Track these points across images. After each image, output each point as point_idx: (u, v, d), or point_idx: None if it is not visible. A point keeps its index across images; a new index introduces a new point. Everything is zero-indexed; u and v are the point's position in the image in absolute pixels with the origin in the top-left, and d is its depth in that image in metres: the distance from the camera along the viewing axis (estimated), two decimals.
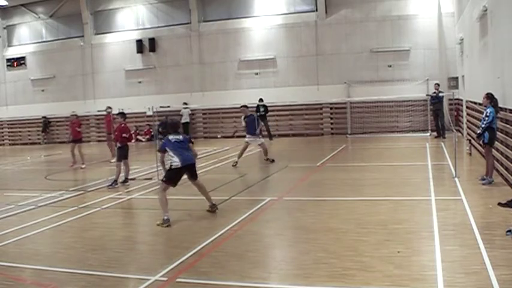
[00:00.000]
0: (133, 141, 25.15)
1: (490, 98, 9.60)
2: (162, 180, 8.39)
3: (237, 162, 14.24)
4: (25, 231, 7.79)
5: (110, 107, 18.08)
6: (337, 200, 9.23)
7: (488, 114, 9.38)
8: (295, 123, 23.66)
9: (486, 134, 9.49)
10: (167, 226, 7.68)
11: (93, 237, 7.39)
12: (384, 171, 12.34)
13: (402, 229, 6.93)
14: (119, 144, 12.06)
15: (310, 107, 23.00)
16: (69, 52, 27.33)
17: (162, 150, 8.35)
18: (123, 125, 12.16)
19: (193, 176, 8.41)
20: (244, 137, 15.09)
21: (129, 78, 26.26)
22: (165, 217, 7.79)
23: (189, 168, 8.25)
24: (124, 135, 12.07)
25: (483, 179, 9.75)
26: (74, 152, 16.28)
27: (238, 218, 7.87)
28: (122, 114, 12.43)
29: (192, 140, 8.66)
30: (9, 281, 5.66)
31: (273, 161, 14.62)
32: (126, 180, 11.91)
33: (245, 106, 14.94)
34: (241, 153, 14.43)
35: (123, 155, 12.02)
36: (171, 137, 8.27)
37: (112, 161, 16.46)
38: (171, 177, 8.13)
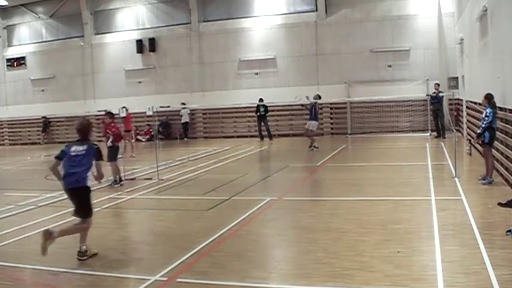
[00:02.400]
0: (133, 141, 25.23)
1: (489, 98, 9.61)
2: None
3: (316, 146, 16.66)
4: (25, 231, 7.80)
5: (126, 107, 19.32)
6: (337, 200, 9.23)
7: (488, 114, 9.41)
8: (295, 123, 23.65)
9: (486, 134, 9.51)
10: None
11: (93, 237, 7.37)
12: (384, 171, 12.34)
13: (402, 229, 6.93)
14: (110, 144, 12.02)
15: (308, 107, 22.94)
16: (69, 52, 27.32)
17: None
18: (113, 124, 12.15)
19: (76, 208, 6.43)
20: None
21: (129, 78, 26.26)
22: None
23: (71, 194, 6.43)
24: (117, 132, 12.08)
25: (483, 179, 9.75)
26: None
27: (238, 218, 7.86)
28: (111, 114, 12.42)
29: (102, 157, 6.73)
30: (9, 281, 5.66)
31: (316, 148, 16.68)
32: (115, 181, 11.87)
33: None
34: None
35: (116, 154, 12.01)
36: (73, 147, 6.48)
37: (134, 155, 16.88)
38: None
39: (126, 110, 19.25)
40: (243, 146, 19.58)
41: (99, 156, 6.52)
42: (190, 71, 25.17)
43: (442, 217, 7.40)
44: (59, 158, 6.47)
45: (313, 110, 17.00)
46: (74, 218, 6.59)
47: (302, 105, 17.82)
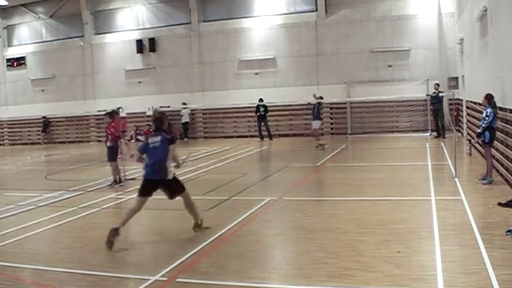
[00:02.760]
0: (133, 141, 25.23)
1: (489, 98, 9.62)
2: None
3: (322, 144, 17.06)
4: (25, 231, 7.79)
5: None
6: (337, 200, 9.23)
7: (488, 114, 9.41)
8: (295, 123, 23.66)
9: (487, 134, 9.51)
10: (109, 241, 6.61)
11: (93, 237, 7.38)
12: (384, 171, 12.34)
13: (402, 229, 6.93)
14: (109, 144, 12.03)
15: (310, 107, 22.95)
16: (69, 52, 27.33)
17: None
18: (113, 124, 12.16)
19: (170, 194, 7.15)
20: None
21: (129, 78, 26.26)
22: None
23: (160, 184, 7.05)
24: (116, 134, 12.08)
25: (483, 179, 9.75)
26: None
27: (238, 218, 7.86)
28: (110, 114, 12.42)
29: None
30: (9, 281, 5.66)
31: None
32: (116, 181, 11.87)
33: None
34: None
35: (116, 154, 12.01)
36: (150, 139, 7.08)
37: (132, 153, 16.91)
38: (141, 191, 7.13)
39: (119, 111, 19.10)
40: (243, 146, 19.58)
41: (171, 141, 7.03)
42: (190, 71, 25.17)
43: (442, 217, 7.40)
44: (141, 151, 7.13)
45: (315, 110, 17.31)
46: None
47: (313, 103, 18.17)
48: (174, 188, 7.10)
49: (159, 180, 6.98)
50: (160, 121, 7.21)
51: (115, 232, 6.63)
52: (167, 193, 7.18)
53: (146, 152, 7.03)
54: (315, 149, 17.11)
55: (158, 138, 7.01)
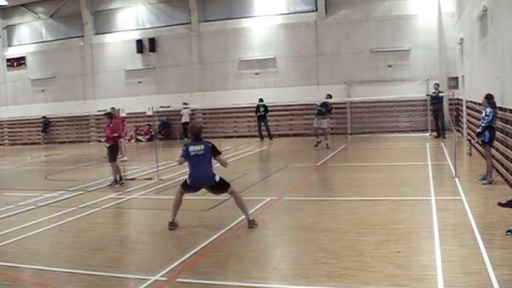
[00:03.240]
0: (133, 141, 25.26)
1: (489, 99, 9.62)
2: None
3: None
4: (25, 231, 7.79)
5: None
6: (337, 200, 9.23)
7: (488, 113, 9.42)
8: (295, 123, 23.66)
9: (486, 133, 9.51)
10: (170, 229, 7.46)
11: (93, 237, 7.39)
12: (384, 171, 12.34)
13: (402, 229, 6.93)
14: (108, 144, 12.04)
15: (310, 107, 22.94)
16: (69, 52, 27.32)
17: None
18: (111, 124, 12.17)
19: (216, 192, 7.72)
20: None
21: (129, 78, 26.25)
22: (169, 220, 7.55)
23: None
24: (114, 134, 12.09)
25: (483, 179, 9.75)
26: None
27: (238, 218, 7.85)
28: (109, 115, 12.44)
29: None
30: (9, 281, 5.66)
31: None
32: (116, 181, 11.87)
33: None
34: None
35: (116, 154, 12.02)
36: (190, 147, 7.46)
37: (125, 158, 16.87)
38: (185, 188, 7.65)
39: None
40: (243, 146, 19.57)
41: (215, 152, 7.51)
42: (190, 71, 25.17)
43: (442, 217, 7.40)
44: (183, 156, 7.53)
45: (325, 109, 17.27)
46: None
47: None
48: (221, 187, 7.52)
49: (204, 186, 7.53)
50: (198, 130, 7.61)
51: (172, 224, 7.45)
52: (214, 192, 7.71)
53: (189, 159, 7.45)
54: (326, 150, 16.68)
55: (201, 146, 7.41)
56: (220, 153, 7.69)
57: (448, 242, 6.20)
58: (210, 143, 7.53)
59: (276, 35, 23.90)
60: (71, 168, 16.17)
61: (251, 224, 7.37)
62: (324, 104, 17.24)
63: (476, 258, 5.52)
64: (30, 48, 28.46)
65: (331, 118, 23.20)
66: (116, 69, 26.35)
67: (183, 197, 7.65)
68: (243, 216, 7.75)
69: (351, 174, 12.19)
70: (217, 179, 7.42)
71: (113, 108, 19.06)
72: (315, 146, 17.34)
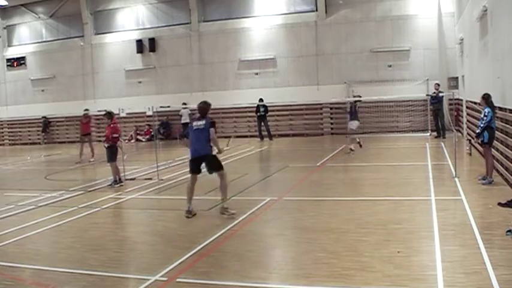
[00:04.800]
0: (133, 141, 25.26)
1: (486, 98, 9.62)
2: None
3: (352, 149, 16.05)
4: (25, 231, 7.80)
5: (87, 109, 19.50)
6: (337, 200, 9.23)
7: (486, 114, 9.42)
8: (295, 123, 23.66)
9: (486, 134, 9.50)
10: (187, 217, 8.09)
11: (93, 237, 7.39)
12: (384, 171, 12.34)
13: (402, 229, 6.93)
14: (107, 144, 12.03)
15: (310, 107, 23.00)
16: (69, 52, 27.33)
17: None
18: (112, 125, 12.16)
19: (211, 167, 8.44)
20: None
21: (129, 78, 26.26)
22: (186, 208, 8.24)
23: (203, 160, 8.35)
24: (114, 134, 12.09)
25: (483, 179, 9.75)
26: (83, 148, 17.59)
27: (238, 218, 7.87)
28: (109, 115, 12.42)
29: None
30: (9, 281, 5.66)
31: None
32: (116, 181, 11.87)
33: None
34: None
35: (115, 154, 12.00)
36: (194, 122, 8.40)
37: (92, 160, 16.90)
38: (190, 168, 8.44)
39: (86, 112, 19.13)
40: (243, 146, 19.56)
41: (211, 125, 8.26)
42: (190, 71, 25.17)
43: (442, 217, 7.40)
44: (186, 136, 8.60)
45: (352, 110, 16.58)
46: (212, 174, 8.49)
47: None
48: (216, 163, 8.33)
49: (203, 156, 8.23)
50: (205, 110, 8.37)
51: (189, 212, 8.14)
52: (208, 166, 8.40)
53: (191, 134, 8.32)
54: (345, 155, 15.77)
55: (203, 121, 8.24)
56: (213, 126, 8.43)
57: (448, 242, 6.20)
58: (211, 119, 8.31)
59: (276, 35, 23.90)
60: (71, 168, 16.17)
61: (224, 211, 8.04)
62: (350, 106, 16.75)
63: (476, 258, 5.52)
64: (30, 48, 28.47)
65: (331, 118, 23.36)
66: (116, 69, 26.36)
67: (184, 197, 7.89)
68: (243, 216, 7.76)
69: (350, 174, 12.19)
70: (214, 152, 8.27)
71: (87, 109, 19.30)
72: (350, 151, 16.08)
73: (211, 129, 8.25)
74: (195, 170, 8.37)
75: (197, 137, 8.22)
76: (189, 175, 8.45)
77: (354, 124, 16.43)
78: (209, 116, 8.36)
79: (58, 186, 12.10)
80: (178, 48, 25.35)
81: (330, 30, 23.03)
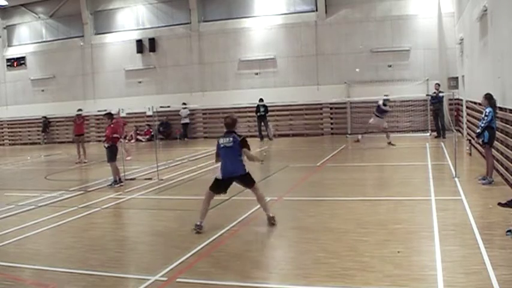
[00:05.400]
0: (133, 141, 25.25)
1: (489, 98, 9.61)
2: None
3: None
4: (25, 231, 7.80)
5: (81, 109, 19.48)
6: (337, 200, 9.22)
7: (487, 113, 9.40)
8: (295, 123, 23.65)
9: (486, 134, 9.49)
10: (197, 232, 7.23)
11: (93, 237, 7.39)
12: (384, 171, 12.34)
13: (402, 229, 6.93)
14: (107, 144, 12.03)
15: (310, 107, 22.99)
16: (69, 52, 27.32)
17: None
18: (112, 125, 12.17)
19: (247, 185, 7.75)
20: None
21: (129, 78, 26.25)
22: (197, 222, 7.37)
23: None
24: (115, 135, 12.08)
25: (483, 179, 9.74)
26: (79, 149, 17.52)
27: (238, 218, 7.86)
28: (109, 115, 12.42)
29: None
30: (9, 281, 5.66)
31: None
32: (115, 181, 11.87)
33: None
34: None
35: (115, 154, 12.01)
36: (220, 140, 7.59)
37: (85, 160, 16.93)
38: (214, 187, 7.63)
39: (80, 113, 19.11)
40: None
41: (244, 145, 7.48)
42: (190, 71, 25.17)
43: (442, 217, 7.40)
44: (216, 152, 7.64)
45: (379, 108, 17.80)
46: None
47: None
48: (250, 180, 7.64)
49: (235, 177, 7.56)
50: (230, 125, 7.68)
51: (199, 227, 7.24)
52: (242, 185, 7.78)
53: (220, 152, 7.58)
54: (387, 146, 16.97)
55: (230, 138, 7.50)
56: (247, 147, 7.55)
57: (448, 242, 6.20)
58: (240, 136, 7.59)
59: (276, 35, 23.90)
60: (71, 168, 16.17)
61: (271, 221, 7.49)
62: (384, 104, 17.64)
63: (476, 258, 5.52)
64: (30, 48, 28.46)
65: (331, 118, 23.36)
66: (116, 69, 26.35)
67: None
68: (243, 216, 7.76)
69: (351, 174, 12.18)
70: (246, 170, 7.59)
71: (80, 110, 19.32)
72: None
73: (244, 150, 7.45)
74: (221, 190, 7.61)
75: (226, 155, 7.45)
76: (208, 191, 7.57)
77: (380, 121, 17.84)
78: (236, 130, 7.62)
79: (58, 186, 12.10)
80: (178, 48, 25.35)
81: (330, 30, 23.02)
